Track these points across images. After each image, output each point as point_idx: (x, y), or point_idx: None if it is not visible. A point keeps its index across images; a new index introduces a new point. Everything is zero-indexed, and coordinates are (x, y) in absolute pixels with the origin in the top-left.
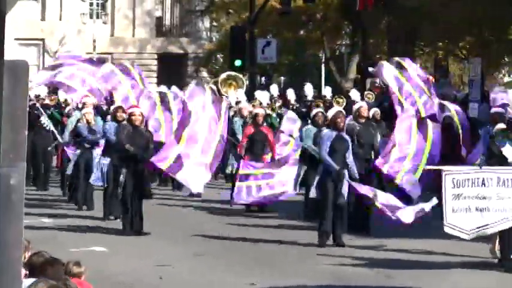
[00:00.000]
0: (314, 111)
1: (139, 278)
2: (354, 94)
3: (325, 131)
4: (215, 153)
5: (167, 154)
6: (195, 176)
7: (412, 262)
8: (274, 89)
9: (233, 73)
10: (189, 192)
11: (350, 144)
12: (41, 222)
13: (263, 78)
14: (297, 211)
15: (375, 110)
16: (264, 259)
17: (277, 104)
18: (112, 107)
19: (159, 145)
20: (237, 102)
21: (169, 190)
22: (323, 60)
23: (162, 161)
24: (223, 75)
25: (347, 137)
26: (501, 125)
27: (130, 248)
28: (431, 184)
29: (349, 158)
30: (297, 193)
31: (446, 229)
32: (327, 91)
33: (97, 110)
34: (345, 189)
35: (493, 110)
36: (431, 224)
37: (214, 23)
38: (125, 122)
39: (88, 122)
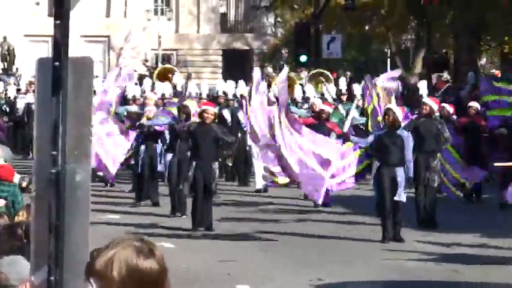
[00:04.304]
0: None
1: (207, 273)
2: (423, 86)
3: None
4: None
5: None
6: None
7: (476, 257)
8: (343, 83)
9: (321, 70)
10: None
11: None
12: (107, 218)
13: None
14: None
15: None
16: (329, 255)
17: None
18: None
19: None
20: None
21: (236, 185)
22: (388, 55)
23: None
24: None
25: (401, 133)
26: None
27: (198, 244)
28: None
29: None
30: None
31: None
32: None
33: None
34: (400, 186)
35: None
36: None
37: (279, 19)
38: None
39: (148, 118)
